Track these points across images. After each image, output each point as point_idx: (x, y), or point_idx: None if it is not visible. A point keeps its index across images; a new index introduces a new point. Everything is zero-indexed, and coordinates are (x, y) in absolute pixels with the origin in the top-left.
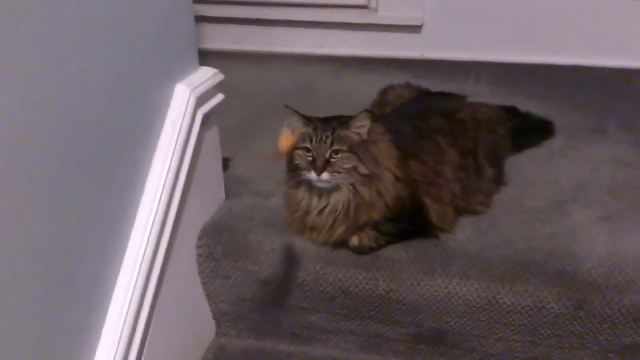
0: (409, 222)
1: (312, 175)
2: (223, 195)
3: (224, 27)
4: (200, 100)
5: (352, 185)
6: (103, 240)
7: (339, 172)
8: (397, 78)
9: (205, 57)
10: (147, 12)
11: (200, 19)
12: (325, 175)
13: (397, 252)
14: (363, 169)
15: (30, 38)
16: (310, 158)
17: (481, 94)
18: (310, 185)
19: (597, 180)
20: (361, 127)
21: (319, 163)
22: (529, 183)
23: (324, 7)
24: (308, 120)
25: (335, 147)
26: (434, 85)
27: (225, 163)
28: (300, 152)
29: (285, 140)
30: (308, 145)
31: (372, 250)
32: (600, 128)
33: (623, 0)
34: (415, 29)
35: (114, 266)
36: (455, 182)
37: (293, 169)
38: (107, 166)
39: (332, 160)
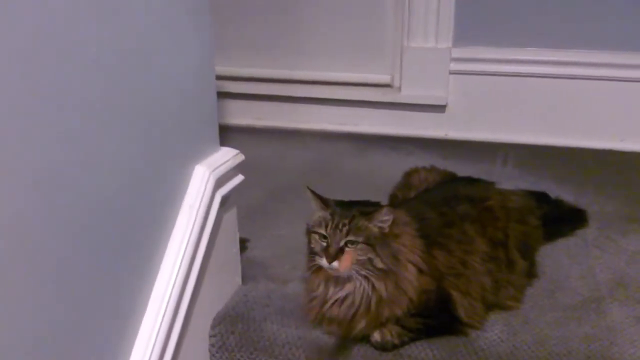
0: (435, 317)
1: (324, 262)
2: (239, 280)
3: (246, 103)
4: (220, 182)
5: (366, 277)
6: (110, 332)
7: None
8: (421, 158)
9: (227, 132)
10: (170, 96)
11: (222, 95)
12: (336, 264)
13: (422, 350)
14: (379, 263)
15: (45, 117)
16: (325, 244)
17: (508, 176)
18: (327, 272)
19: (636, 275)
20: (384, 221)
21: (331, 251)
22: (563, 276)
23: (348, 85)
24: (326, 204)
25: (351, 237)
26: (460, 166)
27: (243, 244)
28: (316, 236)
29: None
30: (323, 231)
31: (395, 347)
32: (635, 217)
33: None
34: (439, 108)
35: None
36: (484, 274)
37: (311, 253)
38: (119, 252)
39: (347, 249)
